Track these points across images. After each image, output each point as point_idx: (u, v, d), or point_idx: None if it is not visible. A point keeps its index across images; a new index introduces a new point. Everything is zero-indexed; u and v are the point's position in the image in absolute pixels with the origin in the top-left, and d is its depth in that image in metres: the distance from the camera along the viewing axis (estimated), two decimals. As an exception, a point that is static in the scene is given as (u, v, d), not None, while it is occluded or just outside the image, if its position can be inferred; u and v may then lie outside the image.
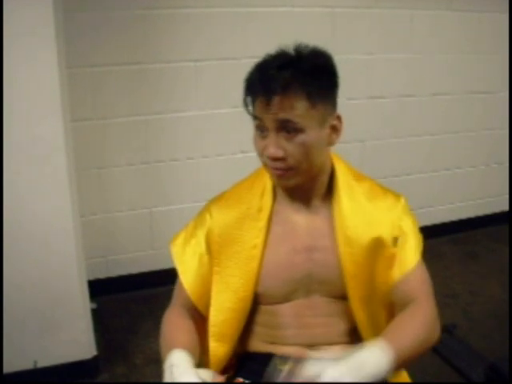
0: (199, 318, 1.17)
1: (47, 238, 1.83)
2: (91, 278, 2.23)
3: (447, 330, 2.28)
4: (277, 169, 1.01)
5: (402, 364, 0.97)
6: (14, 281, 1.81)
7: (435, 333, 1.07)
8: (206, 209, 1.17)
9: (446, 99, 3.07)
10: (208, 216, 1.15)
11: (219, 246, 1.13)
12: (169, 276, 2.93)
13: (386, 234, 1.09)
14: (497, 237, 3.29)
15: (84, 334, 1.99)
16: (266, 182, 1.13)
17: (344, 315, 1.11)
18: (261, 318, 1.16)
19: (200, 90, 2.47)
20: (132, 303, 2.58)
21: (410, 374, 1.22)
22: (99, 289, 2.39)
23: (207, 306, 1.15)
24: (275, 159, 1.00)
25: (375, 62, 2.80)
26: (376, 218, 1.10)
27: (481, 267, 2.95)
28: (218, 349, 1.14)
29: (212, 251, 1.13)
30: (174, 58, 2.41)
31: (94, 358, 2.05)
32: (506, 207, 3.45)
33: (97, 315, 2.27)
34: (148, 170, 2.54)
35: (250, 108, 1.02)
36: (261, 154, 1.04)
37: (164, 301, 2.51)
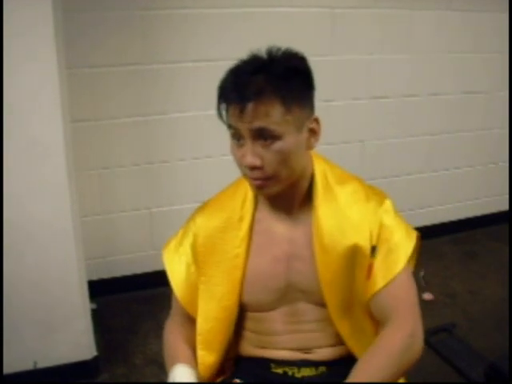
0: (194, 324, 1.18)
1: (47, 238, 1.84)
2: (91, 278, 2.23)
3: (447, 329, 2.28)
4: (256, 179, 0.99)
5: None
6: (13, 281, 1.81)
7: (415, 351, 1.00)
8: (192, 218, 1.18)
9: (445, 99, 3.07)
10: (193, 225, 1.15)
11: (203, 256, 1.13)
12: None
13: (363, 241, 1.05)
14: (497, 237, 3.29)
15: (84, 335, 2.00)
16: (248, 189, 1.12)
17: (331, 320, 1.10)
18: (250, 324, 1.16)
19: (199, 90, 2.47)
20: (132, 303, 2.58)
21: (409, 374, 1.22)
22: (99, 289, 2.39)
23: (197, 312, 1.16)
24: (253, 168, 0.97)
25: (375, 62, 2.80)
26: (354, 225, 1.06)
27: (480, 267, 2.95)
28: (205, 357, 1.14)
29: (197, 261, 1.14)
30: (173, 58, 2.41)
31: (94, 359, 2.05)
32: (505, 207, 3.45)
33: (97, 316, 2.27)
34: (148, 170, 2.55)
35: (224, 115, 1.00)
36: (239, 163, 1.01)
37: (164, 301, 2.52)
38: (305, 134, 1.00)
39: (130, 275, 2.66)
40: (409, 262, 1.08)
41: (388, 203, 1.10)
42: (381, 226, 1.06)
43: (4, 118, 1.65)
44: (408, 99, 2.98)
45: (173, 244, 1.19)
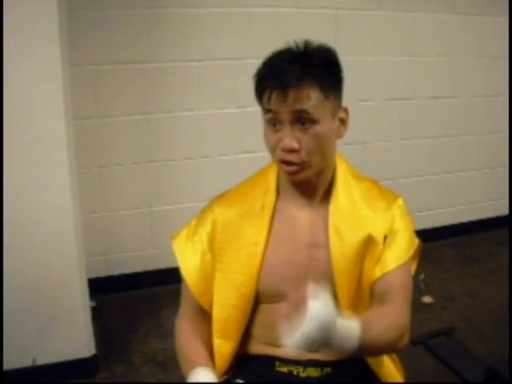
0: (207, 317, 1.17)
1: (48, 235, 1.84)
2: (91, 276, 2.23)
3: (446, 332, 2.28)
4: (290, 163, 1.02)
5: (361, 349, 0.95)
6: (14, 278, 1.81)
7: (400, 340, 1.04)
8: (209, 207, 1.18)
9: (447, 102, 3.07)
10: (211, 214, 1.15)
11: (221, 243, 1.13)
12: (169, 275, 2.92)
13: (377, 232, 1.10)
14: (496, 240, 3.28)
15: (83, 333, 1.99)
16: (270, 180, 1.14)
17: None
18: (259, 318, 1.16)
19: (203, 89, 2.48)
20: (131, 302, 2.57)
21: (409, 377, 1.21)
22: (99, 287, 2.39)
23: (210, 303, 1.15)
24: (290, 151, 1.01)
25: (378, 64, 2.80)
26: (369, 217, 1.11)
27: (480, 271, 2.95)
28: (222, 346, 1.14)
29: (214, 248, 1.14)
30: (177, 57, 2.41)
31: (93, 357, 2.05)
32: (505, 211, 3.45)
33: (96, 313, 2.27)
34: (149, 168, 2.55)
35: (265, 102, 1.03)
36: (273, 148, 1.04)
37: (164, 300, 2.51)
38: (336, 123, 1.05)
39: (130, 273, 2.66)
40: (410, 262, 1.12)
41: (401, 200, 1.17)
42: (394, 219, 1.12)
43: (6, 115, 1.65)
44: (409, 102, 2.98)
45: (184, 233, 1.18)
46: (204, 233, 1.15)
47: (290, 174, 1.05)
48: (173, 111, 2.48)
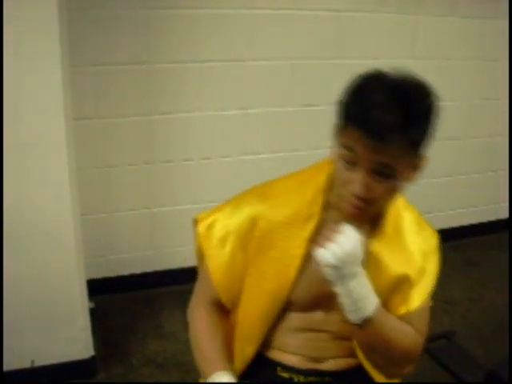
0: (225, 311, 1.16)
1: (47, 236, 1.83)
2: (90, 277, 2.22)
3: (446, 336, 2.27)
4: (355, 207, 0.96)
5: (372, 327, 0.97)
6: (12, 279, 1.81)
7: (409, 357, 1.06)
8: (249, 200, 1.10)
9: (447, 105, 3.05)
10: (251, 209, 1.08)
11: (259, 248, 1.07)
12: (168, 276, 2.93)
13: (412, 271, 1.07)
14: (497, 244, 3.28)
15: (82, 334, 1.99)
16: (320, 183, 1.06)
17: (351, 334, 1.08)
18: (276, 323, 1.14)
19: (205, 91, 2.47)
20: (131, 303, 2.57)
21: (409, 380, 1.21)
22: (98, 288, 2.38)
23: (232, 300, 1.12)
24: (359, 198, 0.95)
25: (379, 66, 2.80)
26: (408, 254, 1.08)
27: (480, 274, 2.94)
28: (243, 349, 1.13)
29: (248, 250, 1.08)
30: (178, 58, 2.40)
31: (92, 358, 2.04)
32: (506, 214, 3.45)
33: (95, 315, 2.26)
34: (150, 170, 2.54)
35: (346, 138, 0.94)
36: (342, 184, 0.97)
37: (163, 301, 2.51)
38: (414, 172, 1.00)
39: (130, 275, 2.65)
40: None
41: (436, 239, 1.15)
42: (427, 260, 1.10)
43: (6, 115, 1.65)
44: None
45: (212, 219, 1.11)
46: (238, 227, 1.08)
47: (350, 215, 0.98)
48: (173, 112, 2.48)
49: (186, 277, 2.68)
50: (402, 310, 1.06)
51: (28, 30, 1.60)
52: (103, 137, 2.42)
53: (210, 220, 1.12)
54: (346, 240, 0.91)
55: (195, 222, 1.14)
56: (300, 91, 2.66)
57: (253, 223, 1.07)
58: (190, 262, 2.67)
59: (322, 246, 0.92)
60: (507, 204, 3.39)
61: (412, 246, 1.08)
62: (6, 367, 1.84)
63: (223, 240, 1.09)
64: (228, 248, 1.09)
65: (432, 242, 1.13)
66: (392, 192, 0.97)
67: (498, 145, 3.31)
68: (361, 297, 0.94)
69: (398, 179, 0.95)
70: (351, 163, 0.94)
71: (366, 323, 0.95)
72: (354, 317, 0.96)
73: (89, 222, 2.43)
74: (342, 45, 2.66)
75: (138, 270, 2.66)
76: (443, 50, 2.93)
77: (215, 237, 1.10)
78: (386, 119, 0.88)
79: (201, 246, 1.12)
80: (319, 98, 2.68)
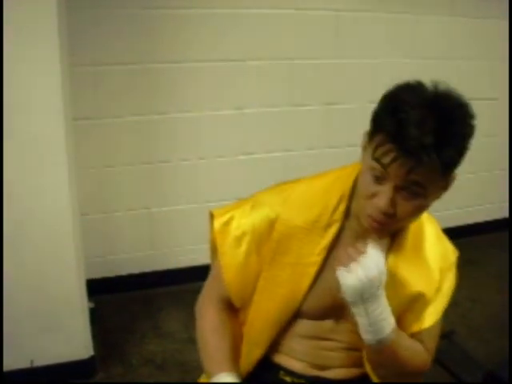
0: (234, 311, 1.14)
1: (46, 236, 1.83)
2: (89, 277, 2.22)
3: (446, 336, 2.27)
4: (377, 222, 0.93)
5: (390, 347, 0.97)
6: (12, 279, 1.80)
7: (419, 374, 1.08)
8: (268, 201, 1.07)
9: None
10: (269, 211, 1.05)
11: (274, 253, 1.05)
12: (167, 277, 2.92)
13: (428, 289, 1.05)
14: (497, 244, 3.28)
15: (81, 334, 1.99)
16: (346, 190, 1.03)
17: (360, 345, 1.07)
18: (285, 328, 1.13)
19: (202, 91, 2.47)
20: (130, 303, 2.57)
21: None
22: (97, 288, 2.38)
23: (242, 300, 1.11)
24: (382, 213, 0.92)
25: (379, 65, 2.80)
26: (426, 271, 1.05)
27: (480, 274, 2.94)
28: (250, 352, 1.12)
29: (264, 254, 1.06)
30: (176, 58, 2.40)
31: (91, 358, 2.04)
32: (506, 214, 3.45)
33: (94, 315, 2.26)
34: (148, 170, 2.54)
35: (378, 152, 0.90)
36: (367, 198, 0.94)
37: (162, 301, 2.51)
38: (442, 191, 0.98)
39: (129, 275, 2.65)
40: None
41: (455, 257, 1.12)
42: (444, 279, 1.08)
43: (5, 115, 1.64)
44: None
45: (227, 217, 1.09)
46: (256, 228, 1.05)
47: (372, 228, 0.95)
48: (171, 112, 2.48)
49: (185, 277, 2.70)
50: (415, 328, 1.05)
51: (27, 30, 1.60)
52: (102, 137, 2.41)
53: (226, 216, 1.09)
54: (372, 264, 0.90)
55: (211, 217, 1.12)
56: (298, 91, 2.65)
57: (270, 225, 1.04)
58: (188, 262, 2.69)
59: (345, 266, 0.90)
60: (507, 204, 3.39)
61: (431, 263, 1.06)
62: (6, 367, 1.84)
63: (239, 239, 1.07)
64: (243, 248, 1.06)
65: (451, 258, 1.11)
66: (418, 211, 0.96)
67: (495, 145, 3.30)
68: (379, 319, 0.93)
69: (426, 199, 0.93)
70: (381, 178, 0.91)
71: (381, 344, 0.95)
72: (369, 337, 0.95)
73: (88, 222, 2.43)
74: (341, 44, 2.66)
75: (137, 270, 2.66)
76: (442, 50, 2.93)
77: (231, 235, 1.07)
78: (424, 140, 0.84)
79: (215, 242, 1.10)
80: (317, 98, 2.67)
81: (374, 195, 0.92)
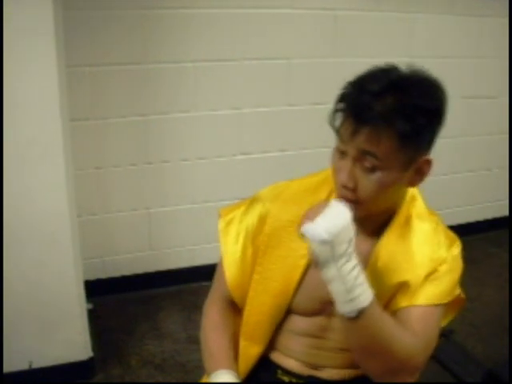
0: (237, 310, 1.15)
1: (45, 237, 1.82)
2: (88, 278, 2.22)
3: (445, 335, 2.27)
4: (343, 197, 0.93)
5: (368, 324, 0.90)
6: (10, 280, 1.80)
7: (406, 369, 0.98)
8: (261, 198, 1.11)
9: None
10: (261, 207, 1.09)
11: (266, 246, 1.07)
12: (166, 277, 2.92)
13: (415, 279, 1.01)
14: (496, 242, 3.28)
15: (80, 335, 1.98)
16: (333, 189, 1.03)
17: None
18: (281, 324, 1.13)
19: (200, 91, 2.47)
20: (128, 304, 2.56)
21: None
22: (96, 289, 2.38)
23: (243, 298, 1.12)
24: (344, 187, 0.93)
25: (376, 65, 2.79)
26: (413, 263, 1.02)
27: (480, 273, 2.94)
28: (248, 348, 1.12)
29: (257, 247, 1.08)
30: (173, 58, 2.40)
31: (90, 359, 2.04)
32: (505, 212, 3.44)
33: (93, 316, 2.26)
34: (146, 170, 2.53)
35: (336, 123, 0.93)
36: (334, 175, 0.97)
37: (161, 302, 2.50)
38: (410, 173, 0.96)
39: (127, 276, 2.64)
40: (443, 311, 1.07)
41: (457, 249, 1.14)
42: (441, 263, 1.06)
43: (3, 116, 1.64)
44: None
45: (232, 216, 1.12)
46: (250, 225, 1.09)
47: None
48: (169, 112, 2.47)
49: (184, 277, 2.70)
50: (403, 303, 1.00)
51: (23, 31, 1.59)
52: (100, 138, 2.41)
53: (230, 216, 1.13)
54: (337, 214, 0.85)
55: (219, 217, 1.15)
56: (296, 91, 2.65)
57: (262, 220, 1.07)
58: (187, 262, 2.69)
59: (310, 221, 0.85)
60: (504, 202, 3.39)
61: (419, 255, 1.03)
62: (5, 369, 1.83)
63: (237, 236, 1.10)
64: (240, 243, 1.10)
65: (450, 251, 1.10)
66: (379, 186, 0.92)
67: (497, 143, 3.30)
68: (356, 283, 0.85)
69: (386, 174, 0.91)
70: (341, 152, 0.94)
71: (361, 317, 0.87)
72: (347, 308, 0.87)
73: (86, 223, 2.43)
74: (339, 43, 2.65)
75: (135, 271, 2.65)
76: (441, 48, 2.92)
77: (231, 233, 1.11)
78: (374, 105, 0.87)
79: (220, 241, 1.13)
80: (316, 98, 2.67)
81: (338, 170, 0.95)
